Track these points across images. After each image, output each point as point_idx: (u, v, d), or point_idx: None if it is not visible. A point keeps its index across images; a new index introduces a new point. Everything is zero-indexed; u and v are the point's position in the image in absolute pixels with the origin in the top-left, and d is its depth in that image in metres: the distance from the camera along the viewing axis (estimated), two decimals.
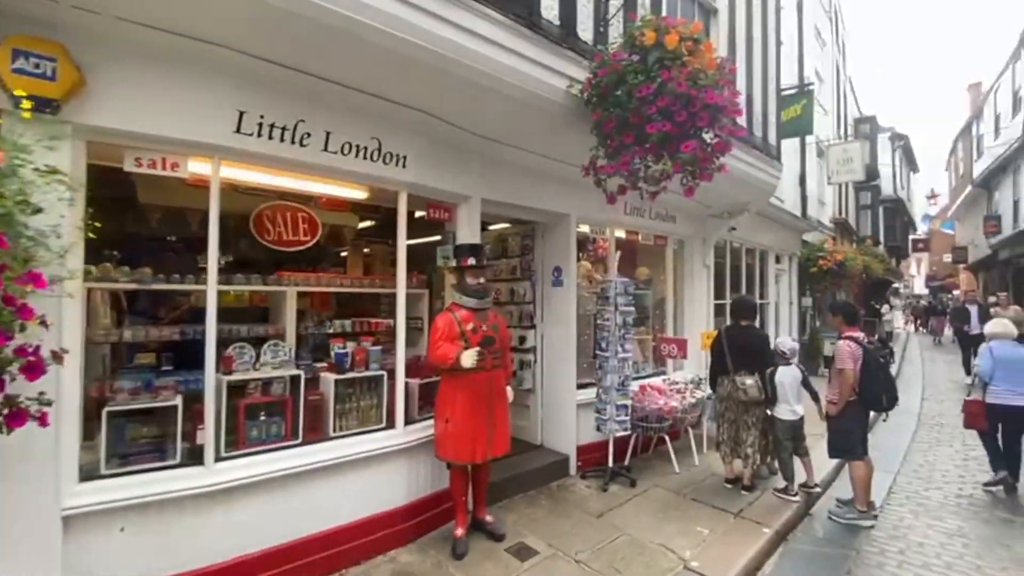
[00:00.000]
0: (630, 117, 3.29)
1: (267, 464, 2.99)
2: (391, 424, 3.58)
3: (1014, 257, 18.08)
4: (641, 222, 5.63)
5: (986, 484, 4.84)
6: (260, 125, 2.88)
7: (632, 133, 3.37)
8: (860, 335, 4.17)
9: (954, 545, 3.79)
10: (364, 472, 3.38)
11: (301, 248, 3.70)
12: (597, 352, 4.67)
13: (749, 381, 4.35)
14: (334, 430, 3.36)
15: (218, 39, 2.60)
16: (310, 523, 3.14)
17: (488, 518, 3.65)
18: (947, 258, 31.55)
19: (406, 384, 3.75)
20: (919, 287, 43.25)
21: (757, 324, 8.94)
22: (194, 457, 2.83)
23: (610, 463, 4.64)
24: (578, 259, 5.44)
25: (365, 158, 3.30)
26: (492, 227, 5.51)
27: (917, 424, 7.32)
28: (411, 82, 3.14)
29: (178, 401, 2.83)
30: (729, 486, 4.58)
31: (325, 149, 3.12)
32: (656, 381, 5.52)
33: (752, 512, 4.09)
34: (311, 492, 3.15)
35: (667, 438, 5.02)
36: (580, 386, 5.01)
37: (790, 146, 10.68)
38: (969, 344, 10.22)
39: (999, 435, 4.74)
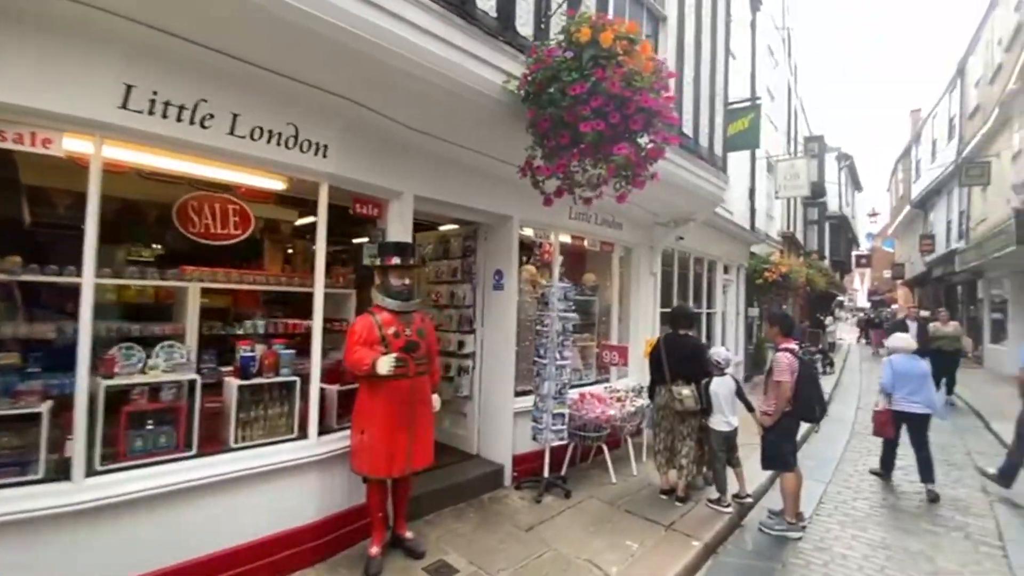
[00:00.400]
0: (564, 116, 3.18)
1: (152, 479, 2.68)
2: (303, 434, 3.31)
3: (946, 274, 19.22)
4: (587, 227, 5.54)
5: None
6: (153, 102, 2.59)
7: (567, 133, 3.25)
8: (795, 346, 4.20)
9: (877, 557, 3.82)
10: (270, 486, 3.10)
11: (230, 242, 3.43)
12: (535, 359, 4.53)
13: (686, 391, 4.31)
14: (236, 440, 3.07)
15: (103, 3, 2.31)
16: (207, 542, 2.85)
17: (408, 534, 3.43)
18: (887, 274, 33.37)
19: (324, 391, 3.50)
20: (862, 301, 45.55)
21: (701, 333, 9.27)
22: (62, 471, 2.51)
23: (545, 473, 4.50)
24: (523, 263, 5.31)
25: (279, 145, 3.05)
26: (443, 228, 5.30)
27: (850, 434, 7.53)
28: (331, 66, 2.92)
29: (43, 408, 2.49)
30: (664, 497, 4.52)
31: (231, 133, 2.85)
32: (597, 389, 5.43)
33: (684, 524, 4.03)
34: (208, 508, 2.86)
35: (605, 447, 4.92)
36: (519, 393, 4.86)
37: (741, 161, 10.95)
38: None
39: (897, 442, 5.30)
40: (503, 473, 4.63)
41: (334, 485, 3.39)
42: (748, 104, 7.42)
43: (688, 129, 5.64)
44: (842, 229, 26.12)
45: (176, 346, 2.99)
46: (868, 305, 40.78)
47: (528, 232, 5.09)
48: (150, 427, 2.78)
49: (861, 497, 5.02)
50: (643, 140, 3.32)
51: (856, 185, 31.97)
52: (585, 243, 5.68)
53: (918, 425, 5.07)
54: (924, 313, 11.89)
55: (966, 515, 4.65)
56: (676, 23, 5.59)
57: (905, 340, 5.40)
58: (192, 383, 2.94)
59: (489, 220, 4.75)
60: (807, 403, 3.99)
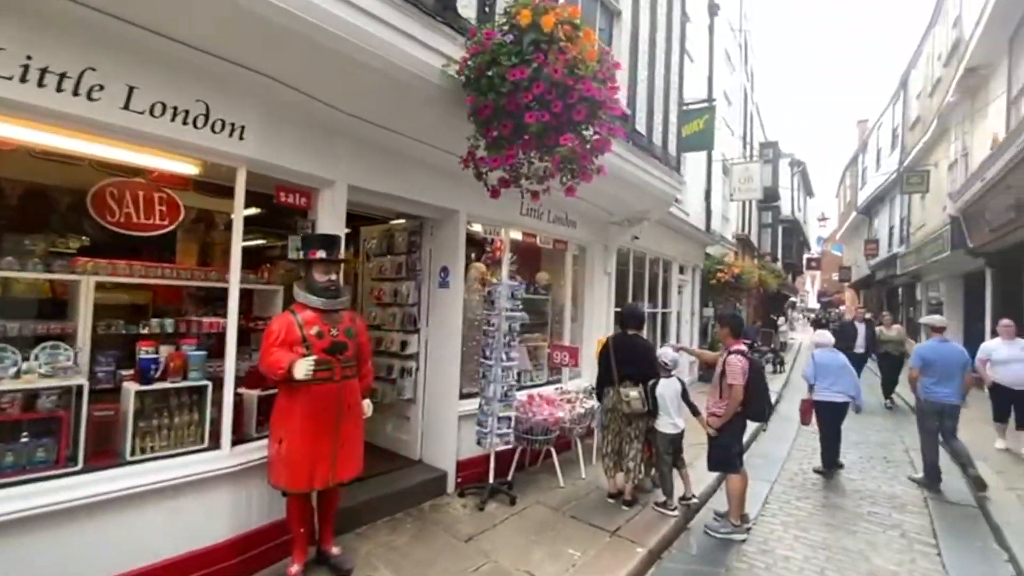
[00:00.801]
0: (505, 104, 3.00)
1: (23, 499, 2.34)
2: (215, 444, 3.01)
3: (888, 277, 20.18)
4: (539, 224, 5.39)
5: (816, 470, 5.77)
6: (26, 68, 2.25)
7: (510, 123, 3.08)
8: (743, 346, 4.16)
9: (818, 558, 3.82)
10: (177, 503, 2.80)
11: (156, 233, 3.10)
12: (481, 360, 4.34)
13: (633, 393, 4.21)
14: (134, 453, 2.75)
15: None
16: (102, 567, 2.54)
17: (334, 550, 3.17)
18: (835, 276, 34.91)
19: (242, 397, 3.20)
20: (812, 302, 47.57)
21: (656, 333, 9.33)
22: None
23: (491, 479, 4.31)
24: (472, 260, 5.11)
25: (186, 123, 2.74)
26: (394, 221, 5.01)
27: (797, 432, 7.68)
28: (249, 40, 2.65)
29: None
30: (611, 501, 4.42)
31: (126, 107, 2.53)
32: (547, 390, 5.30)
33: (629, 529, 3.93)
34: (103, 530, 2.55)
35: (553, 451, 4.79)
36: (465, 395, 4.66)
37: (697, 163, 11.08)
38: (855, 363, 9.53)
39: (828, 430, 5.65)
40: (446, 479, 4.42)
41: (251, 499, 3.10)
42: (704, 105, 7.46)
43: (642, 127, 5.58)
44: (794, 233, 27.10)
45: (61, 347, 2.64)
46: (818, 306, 42.59)
47: (477, 228, 4.89)
48: (25, 440, 2.43)
49: (804, 497, 5.06)
50: (588, 132, 3.18)
51: (808, 191, 33.26)
52: (537, 240, 5.52)
53: (837, 414, 5.53)
54: (867, 315, 12.04)
55: (902, 512, 4.75)
56: (631, 19, 5.51)
57: (826, 336, 6.00)
58: (79, 388, 2.60)
59: (434, 214, 4.53)
60: (756, 404, 3.96)
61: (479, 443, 4.32)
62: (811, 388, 5.62)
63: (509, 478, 4.61)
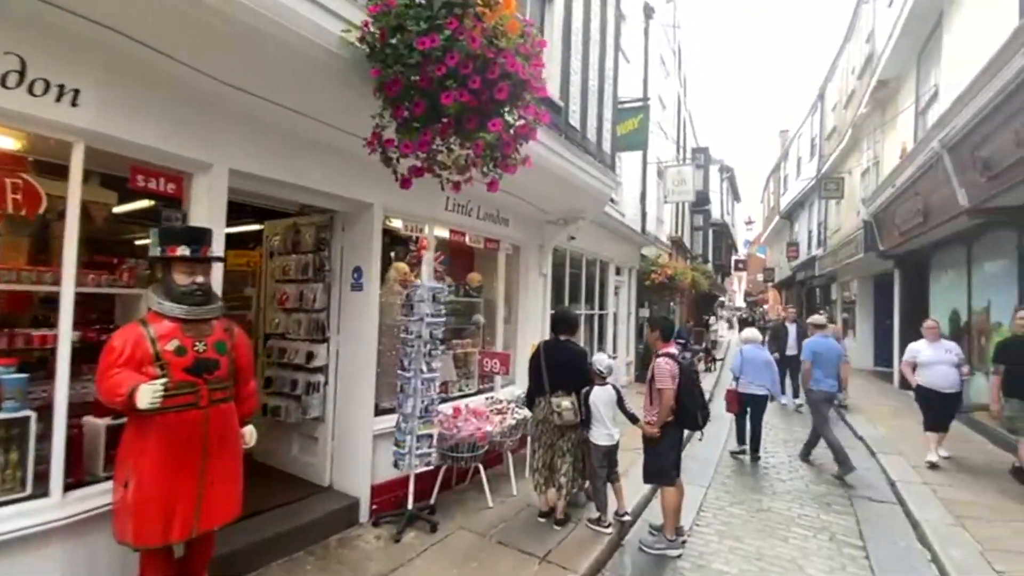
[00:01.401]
0: (417, 80, 2.58)
1: None
2: (41, 491, 2.38)
3: (807, 278, 21.48)
4: (468, 222, 4.99)
5: (736, 453, 6.36)
6: None
7: (423, 102, 2.66)
8: (674, 349, 3.97)
9: (752, 570, 3.68)
10: None
11: None
12: (399, 372, 3.87)
13: (565, 403, 3.90)
14: None
15: None
16: None
17: None
18: (760, 277, 37.03)
19: (83, 427, 2.58)
20: (739, 301, 50.35)
21: (592, 335, 9.20)
22: None
23: (409, 505, 3.86)
24: (392, 259, 4.64)
25: None
26: (300, 217, 4.41)
27: (728, 432, 7.76)
28: None
29: None
30: (543, 520, 4.09)
31: None
32: (477, 401, 4.91)
33: (560, 553, 3.61)
34: None
35: (482, 468, 4.40)
36: (383, 411, 4.18)
37: (633, 165, 11.09)
38: (786, 366, 9.03)
39: (747, 418, 6.24)
40: (359, 507, 3.92)
41: (96, 559, 2.49)
42: (639, 104, 7.36)
43: (576, 122, 5.32)
44: (723, 235, 28.36)
45: None
46: (744, 305, 45.07)
47: (397, 224, 4.42)
48: None
49: (738, 502, 4.98)
50: (511, 117, 2.82)
51: (735, 196, 34.99)
52: (467, 239, 5.12)
53: (758, 405, 6.09)
54: (792, 310, 11.45)
55: (829, 512, 4.76)
56: (564, 8, 5.24)
57: (753, 333, 6.61)
58: None
59: (346, 207, 4.02)
60: (689, 410, 3.76)
61: (396, 466, 3.86)
62: (737, 380, 6.15)
63: (432, 501, 4.18)
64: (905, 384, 8.15)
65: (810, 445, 6.18)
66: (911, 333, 10.82)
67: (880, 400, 9.86)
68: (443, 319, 3.93)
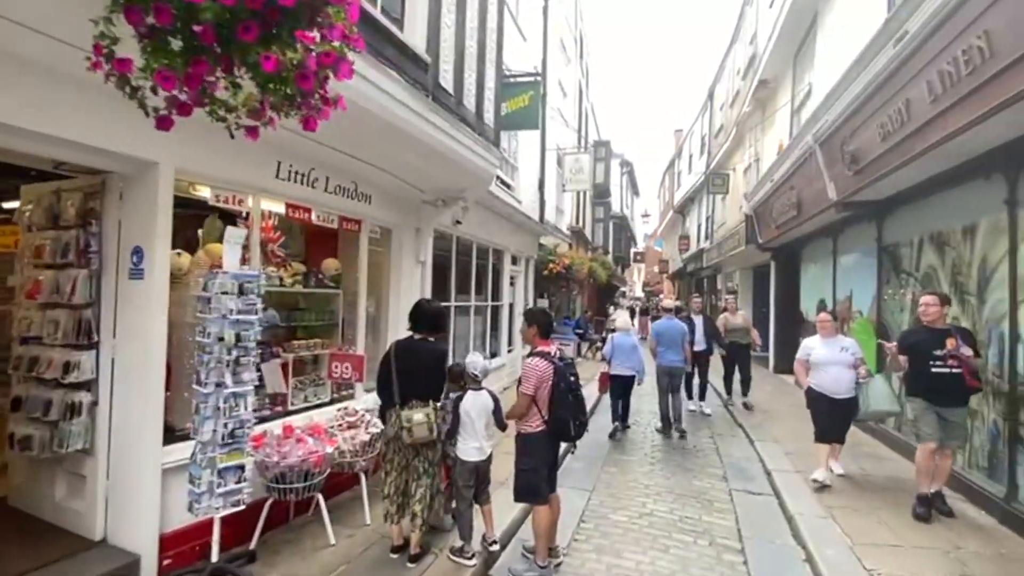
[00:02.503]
0: None
1: None
2: None
3: (696, 269, 22.74)
4: (313, 195, 4.09)
5: (611, 434, 6.77)
6: None
7: (166, 5, 1.78)
8: (553, 349, 3.43)
9: None
10: None
11: None
12: (194, 386, 2.94)
13: (418, 416, 3.21)
14: None
15: None
16: None
17: None
18: (656, 269, 39.11)
19: None
20: (639, 292, 53.11)
21: (485, 328, 8.62)
22: None
23: (214, 556, 2.97)
24: (201, 240, 3.64)
25: None
26: (72, 180, 3.22)
27: (615, 428, 7.58)
28: None
29: None
30: (395, 555, 3.39)
31: None
32: (327, 414, 4.08)
33: None
34: None
35: (322, 499, 3.59)
36: (180, 437, 3.22)
37: (531, 151, 10.64)
38: (697, 365, 7.95)
39: (620, 398, 6.84)
40: (140, 567, 2.94)
41: None
42: (530, 80, 6.81)
43: (448, 84, 4.60)
44: (623, 228, 29.36)
45: None
46: (643, 295, 47.50)
47: (205, 193, 3.42)
48: None
49: (621, 507, 4.64)
50: (317, 45, 2.04)
51: (635, 190, 36.46)
52: (313, 216, 4.22)
53: (626, 385, 6.71)
54: (698, 302, 8.95)
55: (711, 513, 4.57)
56: None
57: (624, 321, 7.26)
58: None
59: (121, 167, 2.97)
60: (561, 420, 3.23)
61: (191, 509, 2.93)
62: (608, 363, 6.79)
63: (252, 546, 3.31)
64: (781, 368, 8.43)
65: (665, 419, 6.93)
66: (785, 320, 11.59)
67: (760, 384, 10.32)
68: (257, 317, 3.04)
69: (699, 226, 22.13)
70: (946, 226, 5.20)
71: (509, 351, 9.77)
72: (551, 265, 10.84)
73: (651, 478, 5.39)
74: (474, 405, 3.48)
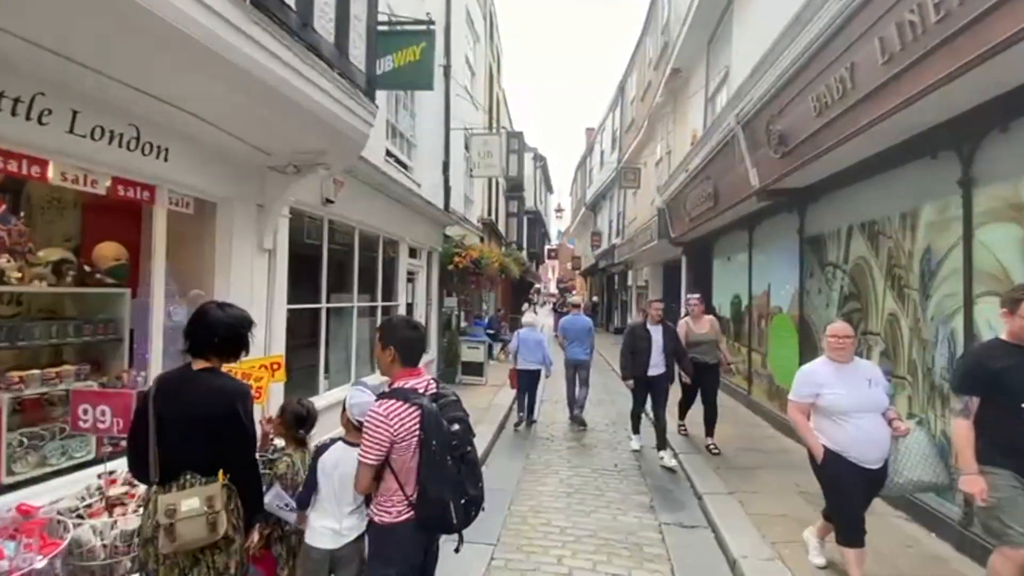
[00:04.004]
0: None
1: None
2: None
3: (608, 266, 22.72)
4: (41, 136, 2.55)
5: (516, 424, 7.04)
6: None
7: None
8: (424, 383, 2.18)
9: None
10: None
11: None
12: None
13: (188, 503, 1.88)
14: None
15: None
16: None
17: None
18: (569, 266, 39.36)
19: None
20: (553, 288, 53.56)
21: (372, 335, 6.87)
22: None
23: None
24: None
25: None
26: None
27: (532, 437, 6.61)
28: None
29: None
30: None
31: None
32: (76, 483, 2.58)
33: None
34: None
35: None
36: None
37: (435, 128, 9.39)
38: (646, 391, 5.75)
39: (527, 390, 7.02)
40: None
41: None
42: (421, 28, 5.55)
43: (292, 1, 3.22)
44: (537, 224, 28.84)
45: None
46: (557, 292, 47.85)
47: None
48: None
49: (531, 550, 3.66)
50: None
51: (548, 186, 36.26)
52: (49, 173, 2.67)
53: (532, 378, 6.93)
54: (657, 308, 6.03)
55: (640, 560, 3.66)
56: None
57: (531, 318, 7.69)
58: None
59: None
60: (433, 500, 2.02)
61: None
62: (515, 359, 6.96)
63: None
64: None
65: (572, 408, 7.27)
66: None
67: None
68: None
69: (610, 222, 22.09)
70: (880, 213, 4.74)
71: None
72: (457, 259, 9.64)
73: (569, 512, 4.42)
74: (342, 462, 2.23)
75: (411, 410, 2.00)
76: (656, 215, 12.07)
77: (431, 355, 9.66)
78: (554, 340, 9.76)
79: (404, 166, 7.92)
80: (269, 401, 3.68)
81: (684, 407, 6.30)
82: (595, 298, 26.74)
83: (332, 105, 3.61)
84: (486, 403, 7.97)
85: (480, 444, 5.85)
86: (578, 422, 7.14)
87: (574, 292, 33.99)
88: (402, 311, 7.98)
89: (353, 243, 6.25)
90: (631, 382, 5.87)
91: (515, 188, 21.84)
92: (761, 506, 4.28)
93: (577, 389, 7.16)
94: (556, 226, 40.76)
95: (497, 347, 13.26)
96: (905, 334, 4.34)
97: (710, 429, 5.79)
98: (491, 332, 12.98)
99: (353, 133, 3.99)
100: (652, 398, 5.74)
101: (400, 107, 7.94)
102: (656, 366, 5.62)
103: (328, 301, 5.62)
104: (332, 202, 5.23)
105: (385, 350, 2.19)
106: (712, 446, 5.70)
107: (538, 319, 7.73)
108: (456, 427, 2.10)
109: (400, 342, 2.19)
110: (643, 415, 6.16)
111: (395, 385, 2.14)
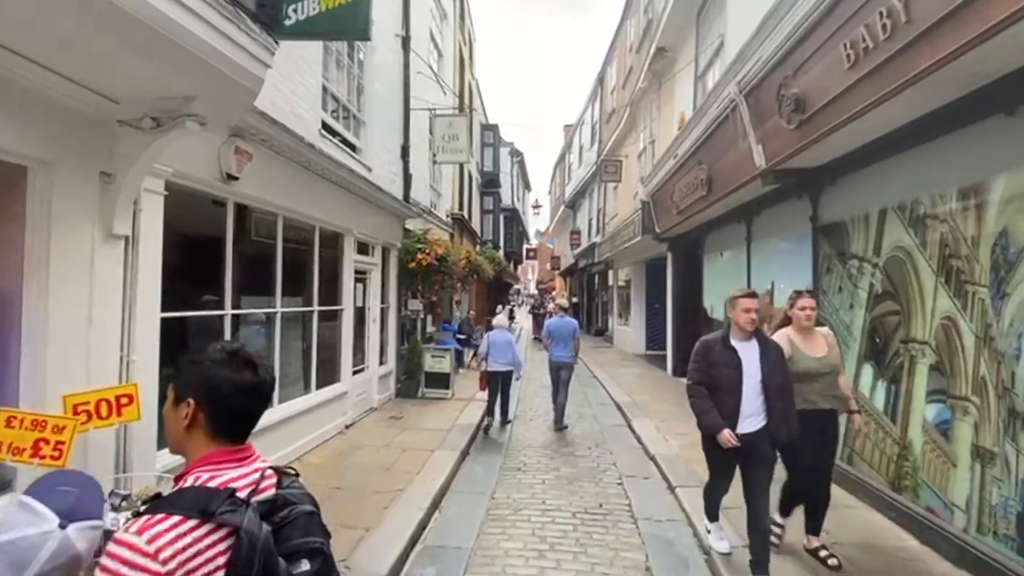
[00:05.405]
0: None
1: None
2: None
3: (588, 265, 21.79)
4: None
5: (485, 427, 6.85)
6: None
7: None
8: (250, 472, 1.06)
9: None
10: None
11: None
12: None
13: None
14: None
15: None
16: None
17: None
18: (548, 266, 38.44)
19: None
20: (533, 289, 52.62)
21: (311, 348, 5.88)
22: None
23: None
24: None
25: None
26: None
27: (500, 468, 5.52)
28: None
29: None
30: None
31: None
32: None
33: None
34: None
35: None
36: None
37: (391, 106, 8.25)
38: (737, 465, 3.30)
39: (499, 392, 6.89)
40: None
41: None
42: None
43: None
44: (514, 222, 27.80)
45: None
46: (536, 292, 46.92)
47: None
48: None
49: None
50: None
51: (526, 183, 35.26)
52: None
53: (504, 379, 6.86)
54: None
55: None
56: None
57: (501, 320, 7.48)
58: None
59: None
60: None
61: None
62: (486, 360, 6.86)
63: None
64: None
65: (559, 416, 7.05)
66: (686, 316, 10.45)
67: (661, 397, 8.95)
68: None
69: (590, 220, 21.18)
70: (928, 191, 3.81)
71: (357, 371, 7.28)
72: (420, 255, 8.50)
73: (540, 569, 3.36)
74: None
75: (211, 537, 0.91)
76: (640, 209, 11.14)
77: (389, 366, 8.51)
78: (532, 343, 9.95)
79: (351, 146, 6.77)
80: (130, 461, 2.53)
81: (793, 494, 3.49)
82: (574, 299, 25.77)
83: (194, 24, 2.46)
84: (449, 422, 6.86)
85: (435, 479, 4.81)
86: (560, 425, 7.06)
87: (554, 293, 33.04)
88: (348, 316, 6.81)
89: (275, 234, 5.08)
90: (720, 442, 3.10)
91: (490, 183, 20.77)
92: None
93: (559, 392, 7.09)
94: (535, 225, 39.81)
95: (469, 354, 12.14)
96: (967, 343, 3.40)
97: (815, 524, 3.43)
98: (462, 337, 11.86)
99: (236, 72, 2.84)
100: (746, 476, 3.19)
101: (345, 74, 6.79)
102: (753, 415, 3.12)
103: (237, 306, 4.45)
104: (236, 178, 4.07)
105: (177, 408, 1.10)
106: (823, 551, 3.34)
107: (506, 320, 7.69)
108: (304, 567, 1.01)
109: (210, 392, 1.08)
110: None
111: (188, 479, 1.03)
